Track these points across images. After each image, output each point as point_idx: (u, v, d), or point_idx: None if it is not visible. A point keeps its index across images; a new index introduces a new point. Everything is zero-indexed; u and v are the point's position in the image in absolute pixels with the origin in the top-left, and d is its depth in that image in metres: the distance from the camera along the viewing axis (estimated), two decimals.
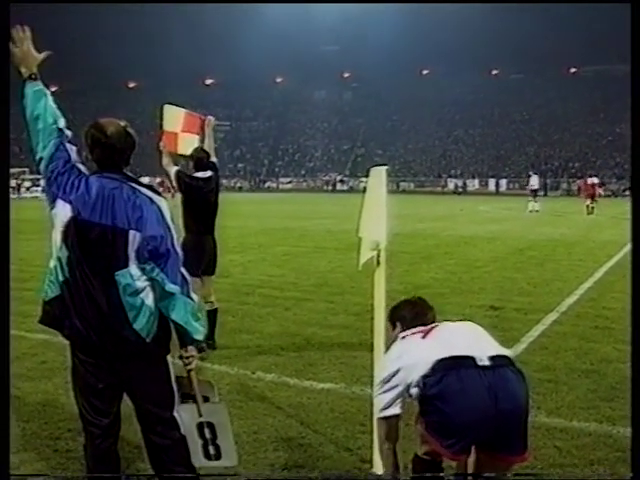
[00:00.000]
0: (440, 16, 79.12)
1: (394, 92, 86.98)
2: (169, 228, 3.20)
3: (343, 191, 68.54)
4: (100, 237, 3.10)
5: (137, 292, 3.13)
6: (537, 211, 31.75)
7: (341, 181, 76.64)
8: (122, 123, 3.26)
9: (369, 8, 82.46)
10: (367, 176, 4.46)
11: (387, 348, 3.59)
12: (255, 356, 6.73)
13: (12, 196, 59.53)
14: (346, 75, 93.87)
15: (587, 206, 30.83)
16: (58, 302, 3.18)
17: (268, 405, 5.31)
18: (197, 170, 6.80)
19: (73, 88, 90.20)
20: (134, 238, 3.08)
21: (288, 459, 4.31)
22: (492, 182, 69.21)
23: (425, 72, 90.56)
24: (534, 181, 36.43)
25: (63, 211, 3.14)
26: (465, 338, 3.22)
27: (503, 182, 69.49)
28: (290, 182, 78.74)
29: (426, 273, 12.12)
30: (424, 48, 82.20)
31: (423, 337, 3.23)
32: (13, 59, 3.28)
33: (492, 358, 3.02)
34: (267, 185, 79.46)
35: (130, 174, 3.28)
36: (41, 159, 3.24)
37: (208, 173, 6.78)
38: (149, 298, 3.16)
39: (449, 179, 74.16)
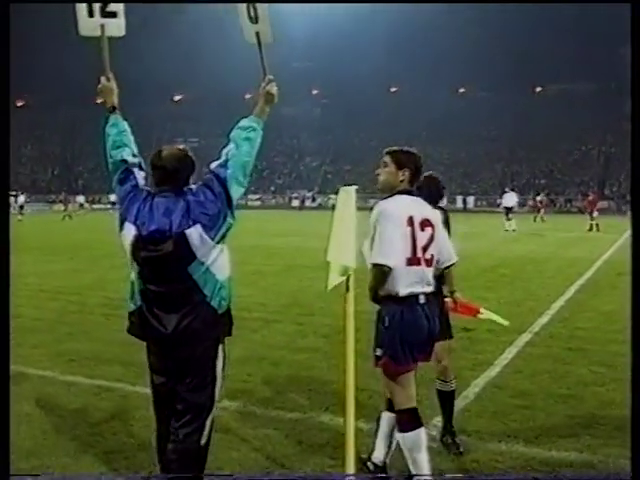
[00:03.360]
0: (409, 33, 79.71)
1: (363, 109, 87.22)
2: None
3: (312, 208, 68.33)
4: (163, 246, 3.43)
5: (210, 273, 3.50)
6: (514, 230, 29.55)
7: (310, 198, 76.42)
8: (180, 147, 3.67)
9: (338, 24, 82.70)
10: (337, 194, 4.26)
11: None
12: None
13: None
14: (315, 92, 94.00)
15: (591, 225, 30.69)
16: (139, 311, 3.58)
17: (232, 437, 5.01)
18: None
19: (38, 102, 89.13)
20: (193, 232, 3.41)
21: None
22: (459, 199, 69.29)
23: (393, 89, 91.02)
24: (510, 199, 33.11)
25: (128, 232, 3.51)
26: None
27: (471, 199, 69.84)
28: (259, 199, 78.17)
29: None
30: (393, 65, 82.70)
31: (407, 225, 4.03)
32: (100, 93, 3.94)
33: (426, 296, 4.05)
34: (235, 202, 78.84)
35: (185, 189, 3.56)
36: (115, 186, 3.71)
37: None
38: (220, 272, 3.55)
39: None
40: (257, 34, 3.88)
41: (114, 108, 3.91)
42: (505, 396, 6.01)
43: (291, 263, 16.76)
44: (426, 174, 4.73)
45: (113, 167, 3.73)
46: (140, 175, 3.70)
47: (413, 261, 4.02)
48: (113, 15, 3.96)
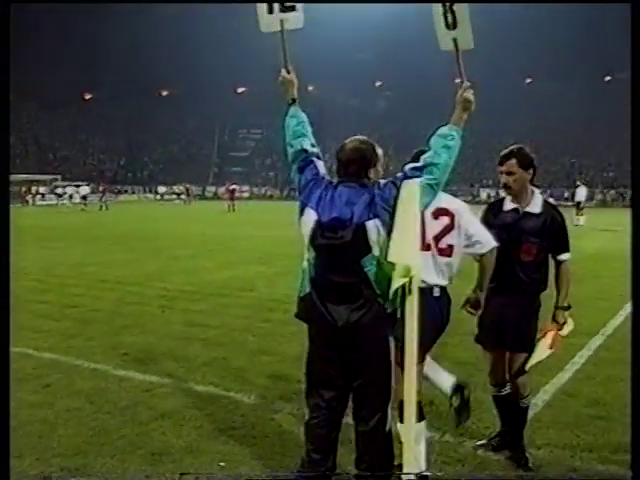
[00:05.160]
0: (473, 22, 78.41)
1: (427, 100, 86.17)
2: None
3: None
4: (342, 234, 3.47)
5: (383, 270, 3.45)
6: (582, 225, 28.87)
7: None
8: (362, 139, 3.75)
9: (400, 16, 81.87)
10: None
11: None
12: (275, 382, 6.19)
13: (42, 202, 59.83)
14: (378, 83, 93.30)
15: None
16: (309, 298, 3.63)
17: (286, 442, 4.76)
18: None
19: (106, 95, 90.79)
20: (373, 225, 3.44)
21: None
22: None
23: (457, 80, 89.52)
24: (582, 192, 32.87)
25: (309, 217, 3.58)
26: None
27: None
28: None
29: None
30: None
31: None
32: (283, 85, 4.18)
33: (442, 289, 4.16)
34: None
35: (367, 182, 3.62)
36: (294, 175, 3.82)
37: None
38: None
39: (481, 189, 73.10)
40: (454, 40, 3.80)
41: (294, 100, 4.07)
42: (578, 405, 5.60)
43: None
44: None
45: (293, 156, 3.87)
46: (320, 164, 3.80)
47: (421, 247, 4.09)
48: (292, 9, 4.09)
